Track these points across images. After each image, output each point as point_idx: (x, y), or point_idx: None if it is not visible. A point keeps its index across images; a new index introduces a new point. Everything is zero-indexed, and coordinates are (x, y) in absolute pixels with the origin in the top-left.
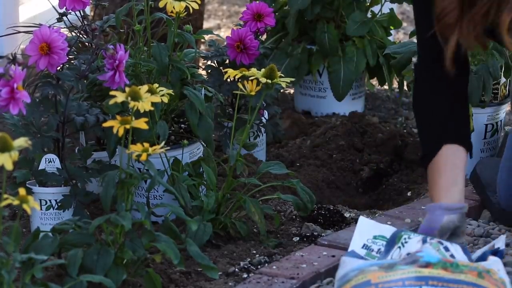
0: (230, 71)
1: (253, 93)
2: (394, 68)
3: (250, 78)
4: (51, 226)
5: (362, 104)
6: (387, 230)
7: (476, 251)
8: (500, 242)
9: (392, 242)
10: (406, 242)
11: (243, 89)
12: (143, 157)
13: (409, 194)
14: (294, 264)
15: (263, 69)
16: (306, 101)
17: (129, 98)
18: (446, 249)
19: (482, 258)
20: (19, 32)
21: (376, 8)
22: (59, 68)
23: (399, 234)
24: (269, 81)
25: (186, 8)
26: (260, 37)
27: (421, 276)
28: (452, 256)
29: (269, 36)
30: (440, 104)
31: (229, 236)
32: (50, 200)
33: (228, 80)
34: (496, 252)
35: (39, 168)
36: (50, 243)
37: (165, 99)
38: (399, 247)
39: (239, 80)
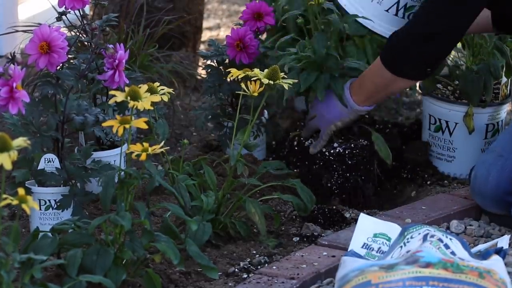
0: (234, 71)
1: (255, 94)
2: None
3: (252, 79)
4: (50, 226)
5: None
6: (389, 227)
7: (477, 246)
8: (503, 242)
9: (400, 236)
10: (408, 242)
11: (246, 90)
12: (143, 157)
13: (412, 194)
14: (294, 264)
15: (266, 70)
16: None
17: (129, 98)
18: (447, 246)
19: (485, 256)
20: (18, 31)
21: None
22: (58, 67)
23: (408, 230)
24: (272, 82)
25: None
26: (260, 36)
27: (421, 277)
28: (452, 253)
29: (269, 36)
30: None
31: (229, 236)
32: (49, 200)
33: (228, 79)
34: (499, 251)
35: (38, 168)
36: (49, 243)
37: (165, 98)
38: (401, 246)
39: (240, 80)
